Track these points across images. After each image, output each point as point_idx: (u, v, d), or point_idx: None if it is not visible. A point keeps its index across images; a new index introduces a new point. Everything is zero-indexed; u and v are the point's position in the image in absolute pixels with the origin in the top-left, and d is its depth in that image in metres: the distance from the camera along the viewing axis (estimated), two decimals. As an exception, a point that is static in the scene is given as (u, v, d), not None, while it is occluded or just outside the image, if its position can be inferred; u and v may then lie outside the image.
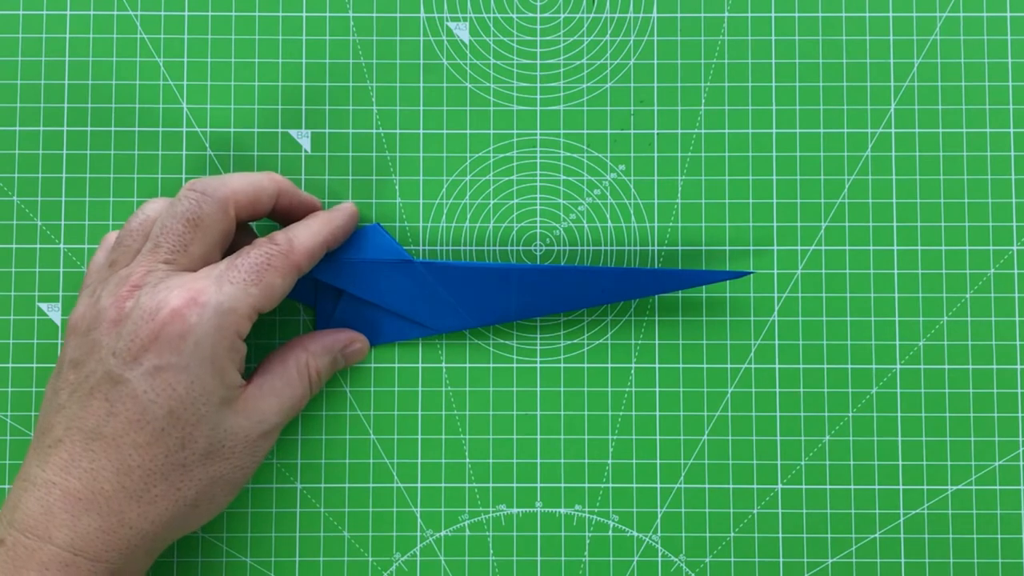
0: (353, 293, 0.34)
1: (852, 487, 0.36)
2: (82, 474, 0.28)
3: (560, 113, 0.36)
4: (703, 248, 0.36)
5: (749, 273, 0.35)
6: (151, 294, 0.29)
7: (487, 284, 0.35)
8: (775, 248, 0.36)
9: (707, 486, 0.36)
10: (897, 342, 0.36)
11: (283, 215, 0.34)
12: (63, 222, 0.36)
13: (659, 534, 0.35)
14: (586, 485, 0.36)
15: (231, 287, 0.30)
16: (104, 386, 0.29)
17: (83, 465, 0.29)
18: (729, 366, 0.36)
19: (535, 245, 0.36)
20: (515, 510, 0.36)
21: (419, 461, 0.36)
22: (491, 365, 0.36)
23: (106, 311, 0.30)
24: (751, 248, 0.36)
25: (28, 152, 0.36)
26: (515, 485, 0.36)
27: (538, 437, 0.36)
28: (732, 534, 0.35)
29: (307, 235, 0.32)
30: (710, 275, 0.34)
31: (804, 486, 0.36)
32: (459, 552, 0.35)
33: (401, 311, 0.35)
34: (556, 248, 0.36)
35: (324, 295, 0.35)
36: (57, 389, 0.30)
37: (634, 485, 0.36)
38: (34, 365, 0.36)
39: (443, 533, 0.35)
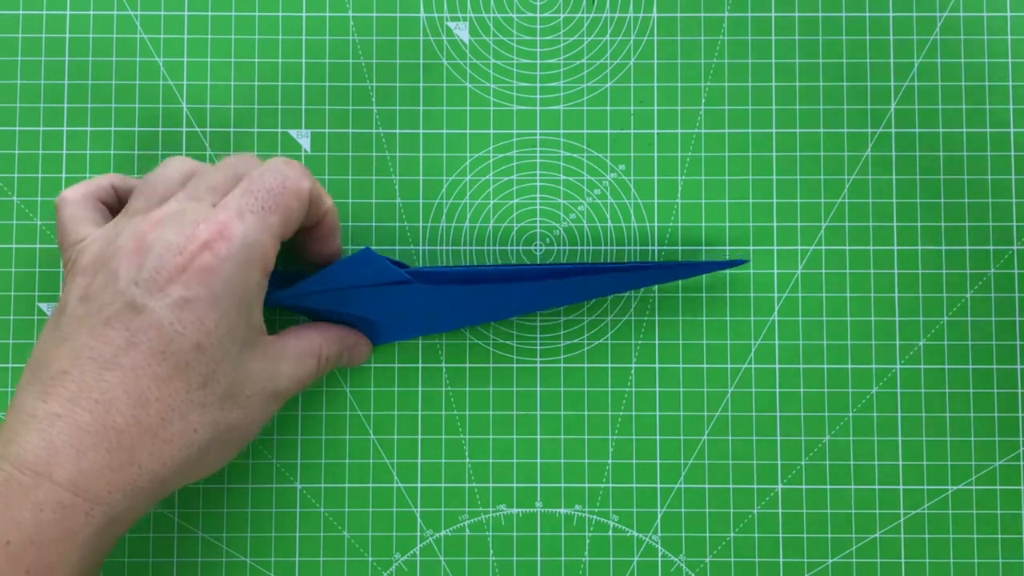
0: (351, 313, 0.34)
1: (852, 487, 0.36)
2: (92, 406, 0.27)
3: (560, 113, 0.36)
4: (703, 248, 0.36)
5: (742, 262, 0.34)
6: (176, 227, 0.28)
7: (486, 296, 0.34)
8: (775, 248, 0.36)
9: (707, 486, 0.36)
10: (897, 342, 0.36)
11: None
12: (63, 222, 0.36)
13: (659, 534, 0.35)
14: (586, 485, 0.36)
15: (253, 217, 0.29)
16: (124, 315, 0.27)
17: (94, 396, 0.27)
18: (729, 366, 0.36)
19: (535, 245, 0.36)
20: (515, 510, 0.36)
21: (419, 461, 0.36)
22: (491, 365, 0.36)
23: (125, 245, 0.28)
24: (751, 248, 0.36)
25: (28, 152, 0.36)
26: (515, 485, 0.36)
27: (538, 437, 0.36)
28: (732, 534, 0.35)
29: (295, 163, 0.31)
30: (706, 266, 0.34)
31: (804, 486, 0.36)
32: (459, 552, 0.35)
33: (401, 324, 0.34)
34: (556, 248, 0.36)
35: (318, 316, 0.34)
36: (59, 325, 0.28)
37: (634, 485, 0.36)
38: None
39: (443, 533, 0.35)
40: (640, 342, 0.36)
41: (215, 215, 0.28)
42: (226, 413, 0.29)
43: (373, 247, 0.36)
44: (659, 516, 0.36)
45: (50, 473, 0.26)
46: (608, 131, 0.36)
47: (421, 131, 0.36)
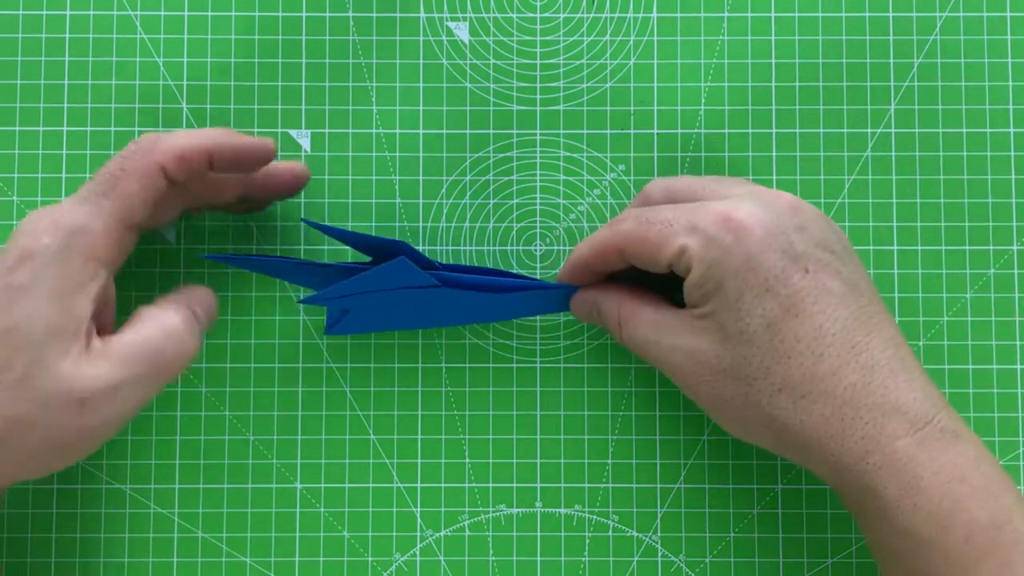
0: (374, 312, 0.34)
1: (852, 487, 0.36)
2: None
3: (560, 113, 0.36)
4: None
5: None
6: (29, 217, 0.29)
7: (506, 304, 0.34)
8: (775, 248, 0.36)
9: (707, 486, 0.36)
10: (897, 342, 0.36)
11: (229, 167, 0.31)
12: (63, 222, 0.36)
13: (659, 534, 0.35)
14: (586, 485, 0.36)
15: (84, 203, 0.28)
16: None
17: None
18: (729, 366, 0.36)
19: (535, 245, 0.36)
20: (515, 510, 0.36)
21: (419, 461, 0.36)
22: (491, 365, 0.36)
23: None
24: (751, 248, 0.36)
25: (28, 152, 0.36)
26: (515, 485, 0.36)
27: (538, 437, 0.36)
28: (732, 534, 0.35)
29: (182, 135, 0.30)
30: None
31: (804, 486, 0.36)
32: (459, 552, 0.35)
33: (417, 321, 0.34)
34: (556, 248, 0.36)
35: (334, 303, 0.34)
36: None
37: (634, 485, 0.36)
38: None
39: (443, 533, 0.35)
40: (640, 342, 0.36)
41: (62, 202, 0.29)
42: (16, 404, 0.27)
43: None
44: (659, 516, 0.36)
45: None
46: (608, 131, 0.36)
47: (421, 131, 0.36)
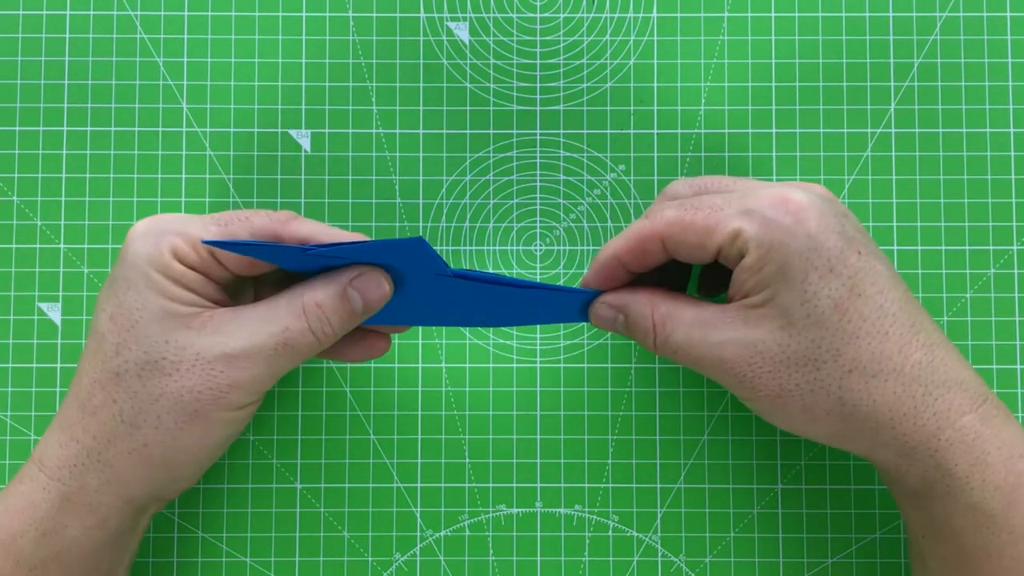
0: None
1: (852, 487, 0.36)
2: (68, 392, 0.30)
3: (560, 113, 0.36)
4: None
5: None
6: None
7: (517, 302, 0.32)
8: (775, 248, 0.36)
9: (707, 486, 0.36)
10: (897, 342, 0.36)
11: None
12: (63, 222, 0.36)
13: (659, 534, 0.35)
14: (586, 485, 0.36)
15: (195, 220, 0.30)
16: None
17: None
18: (729, 366, 0.36)
19: (535, 245, 0.36)
20: (515, 510, 0.36)
21: (419, 461, 0.36)
22: (491, 365, 0.36)
23: None
24: (751, 248, 0.36)
25: (28, 152, 0.36)
26: (515, 485, 0.36)
27: (538, 437, 0.36)
28: (732, 534, 0.35)
29: (319, 227, 0.30)
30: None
31: (804, 486, 0.36)
32: (459, 552, 0.35)
33: (421, 316, 0.32)
34: (556, 248, 0.36)
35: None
36: None
37: (634, 485, 0.36)
38: (34, 365, 0.36)
39: (443, 533, 0.35)
40: (640, 342, 0.36)
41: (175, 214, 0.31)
42: (148, 383, 0.29)
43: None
44: (659, 516, 0.36)
45: (33, 452, 0.30)
46: (608, 131, 0.36)
47: (421, 131, 0.36)
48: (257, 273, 0.31)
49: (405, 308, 0.32)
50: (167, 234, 0.29)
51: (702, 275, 0.34)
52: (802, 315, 0.28)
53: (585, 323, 0.33)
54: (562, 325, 0.36)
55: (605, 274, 0.31)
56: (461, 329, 0.36)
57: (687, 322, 0.29)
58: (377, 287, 0.30)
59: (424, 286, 0.31)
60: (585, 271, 0.33)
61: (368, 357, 0.33)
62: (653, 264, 0.31)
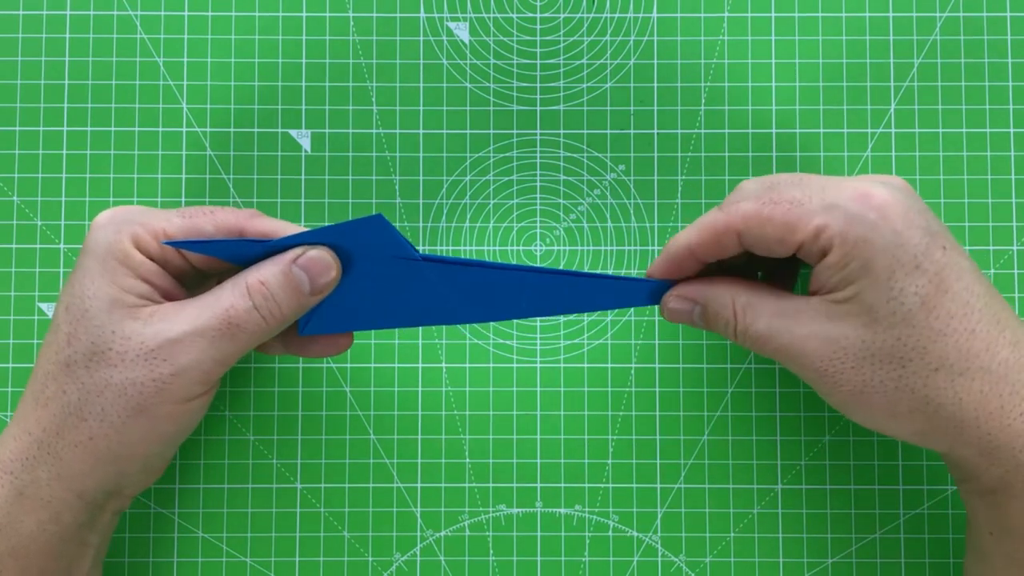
0: (347, 288, 0.30)
1: (852, 487, 0.36)
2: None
3: (560, 113, 0.36)
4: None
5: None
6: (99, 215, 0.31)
7: (496, 288, 0.31)
8: (775, 248, 0.36)
9: (707, 486, 0.36)
10: (897, 342, 0.36)
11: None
12: (63, 222, 0.36)
13: (659, 534, 0.35)
14: (586, 485, 0.36)
15: (160, 211, 0.30)
16: None
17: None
18: (729, 366, 0.36)
19: (535, 245, 0.36)
20: (515, 510, 0.36)
21: (419, 461, 0.36)
22: (491, 365, 0.36)
23: None
24: (751, 248, 0.36)
25: (28, 152, 0.36)
26: (515, 485, 0.36)
27: (538, 437, 0.36)
28: (732, 534, 0.35)
29: (283, 225, 0.31)
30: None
31: (804, 486, 0.36)
32: (459, 552, 0.35)
33: (400, 310, 0.31)
34: (556, 248, 0.36)
35: None
36: None
37: (634, 485, 0.36)
38: (34, 365, 0.36)
39: (443, 533, 0.35)
40: (640, 342, 0.36)
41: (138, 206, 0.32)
42: (95, 373, 0.28)
43: None
44: (659, 516, 0.36)
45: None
46: (608, 131, 0.36)
47: (421, 131, 0.36)
48: (219, 270, 0.31)
49: (372, 304, 0.30)
50: (129, 223, 0.30)
51: (768, 265, 0.33)
52: (887, 312, 0.27)
53: (574, 320, 0.33)
54: (562, 325, 0.36)
55: (674, 267, 0.31)
56: (461, 329, 0.36)
57: (768, 312, 0.29)
58: (322, 263, 0.29)
59: (392, 274, 0.30)
60: (584, 270, 0.33)
61: (332, 352, 0.32)
62: (726, 256, 0.30)
